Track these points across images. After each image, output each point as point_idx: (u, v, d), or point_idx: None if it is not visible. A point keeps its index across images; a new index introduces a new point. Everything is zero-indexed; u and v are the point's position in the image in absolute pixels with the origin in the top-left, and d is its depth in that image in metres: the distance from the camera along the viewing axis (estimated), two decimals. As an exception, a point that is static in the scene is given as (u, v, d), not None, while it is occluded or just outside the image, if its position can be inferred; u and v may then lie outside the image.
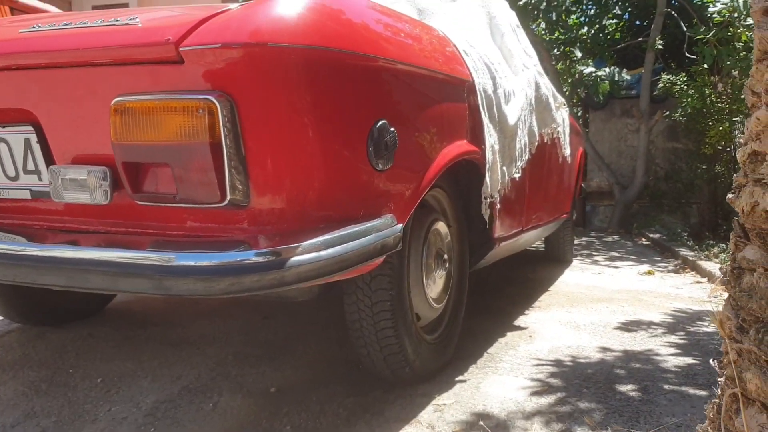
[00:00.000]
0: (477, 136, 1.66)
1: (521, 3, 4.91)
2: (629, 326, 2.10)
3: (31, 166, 1.14)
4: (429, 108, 1.43)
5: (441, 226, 1.59)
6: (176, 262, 0.93)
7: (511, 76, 2.07)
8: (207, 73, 0.98)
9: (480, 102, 1.69)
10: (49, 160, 1.11)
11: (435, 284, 1.57)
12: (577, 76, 5.50)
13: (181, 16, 1.11)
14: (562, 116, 2.64)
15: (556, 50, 5.93)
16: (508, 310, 2.30)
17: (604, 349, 1.82)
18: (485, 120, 1.71)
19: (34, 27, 1.11)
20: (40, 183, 1.14)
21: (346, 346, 1.79)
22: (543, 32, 5.85)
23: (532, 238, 2.54)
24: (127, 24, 1.04)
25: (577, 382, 1.54)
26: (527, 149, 2.10)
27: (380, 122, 1.19)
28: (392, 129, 1.22)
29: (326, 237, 1.04)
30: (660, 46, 5.35)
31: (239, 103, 0.98)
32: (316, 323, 2.07)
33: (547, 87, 2.49)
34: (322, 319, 2.12)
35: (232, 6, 1.07)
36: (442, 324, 1.63)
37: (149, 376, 1.57)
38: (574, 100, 5.95)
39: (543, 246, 3.56)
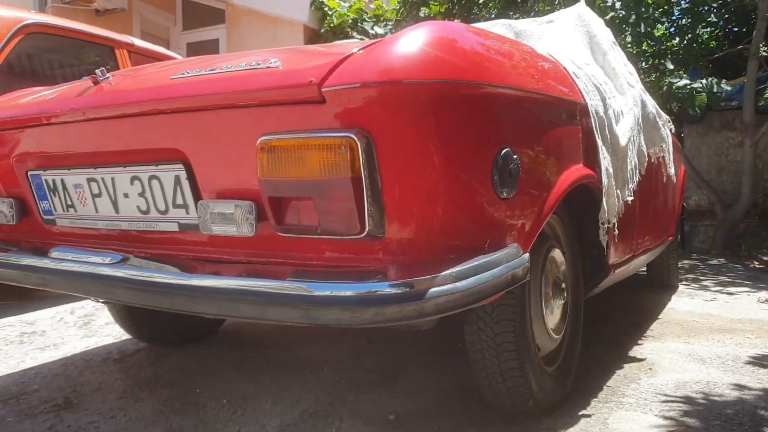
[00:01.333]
0: (592, 160, 1.62)
1: (608, 17, 4.78)
2: (763, 361, 1.93)
3: (179, 201, 1.23)
4: (547, 133, 1.42)
5: (557, 254, 1.56)
6: (323, 292, 0.97)
7: (618, 96, 2.01)
8: (346, 111, 1.02)
9: (593, 124, 1.65)
10: (197, 196, 1.20)
11: (553, 314, 1.54)
12: (665, 88, 5.24)
13: (316, 57, 1.17)
14: (667, 134, 2.54)
15: (644, 63, 5.70)
16: (620, 339, 2.20)
17: (740, 387, 1.68)
18: (599, 142, 1.67)
19: (183, 73, 1.21)
20: (188, 216, 1.23)
21: (458, 374, 1.78)
22: (628, 46, 5.66)
23: (641, 264, 2.43)
24: (268, 67, 1.11)
25: (717, 423, 1.43)
26: (637, 171, 2.03)
27: (504, 150, 1.19)
28: (515, 156, 1.22)
29: (460, 268, 1.04)
30: (765, 53, 5.01)
31: (376, 138, 1.02)
32: (419, 348, 2.07)
33: (653, 105, 2.40)
34: (425, 344, 2.12)
35: (355, 50, 1.09)
36: (560, 355, 1.59)
37: (270, 399, 1.63)
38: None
39: (644, 270, 3.38)
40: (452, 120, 1.09)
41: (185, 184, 1.21)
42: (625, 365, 1.88)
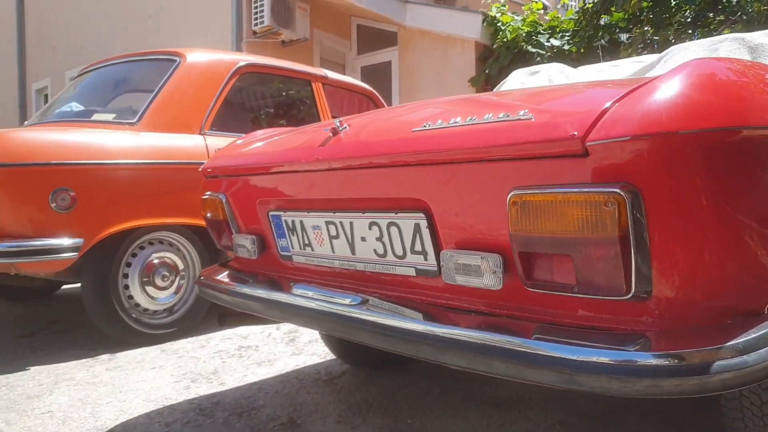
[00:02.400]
0: None
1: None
2: None
3: (418, 248, 1.26)
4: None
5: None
6: (592, 357, 0.92)
7: None
8: (611, 165, 0.96)
9: None
10: (437, 244, 1.22)
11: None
12: None
13: (567, 108, 1.13)
14: None
15: None
16: None
17: None
18: None
19: (424, 126, 1.24)
20: (425, 263, 1.26)
21: (677, 423, 1.61)
22: None
23: None
24: (519, 120, 1.09)
25: None
26: None
27: (783, 199, 1.04)
28: (793, 204, 1.06)
29: (747, 338, 0.92)
30: None
31: (645, 193, 0.95)
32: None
33: None
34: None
35: (609, 103, 1.00)
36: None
37: (484, 440, 1.62)
38: None
39: None
40: (729, 170, 0.98)
41: (425, 232, 1.24)
42: None
